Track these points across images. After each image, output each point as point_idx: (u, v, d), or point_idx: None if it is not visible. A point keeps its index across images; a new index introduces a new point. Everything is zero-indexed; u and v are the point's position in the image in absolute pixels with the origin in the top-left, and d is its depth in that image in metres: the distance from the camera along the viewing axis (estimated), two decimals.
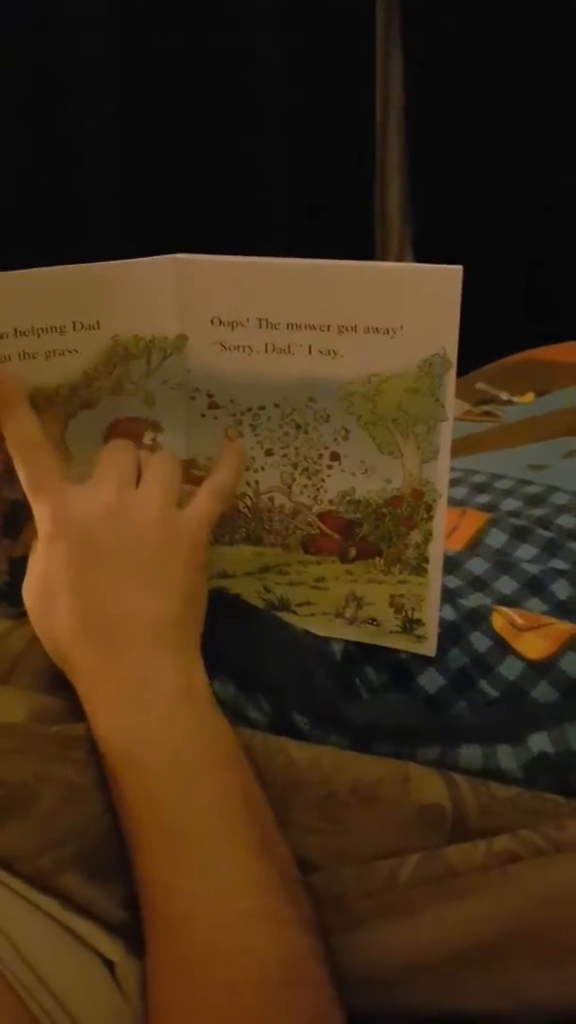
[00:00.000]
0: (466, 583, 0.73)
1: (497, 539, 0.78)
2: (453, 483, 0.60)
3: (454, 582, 0.72)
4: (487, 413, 1.06)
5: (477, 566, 0.74)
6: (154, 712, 0.52)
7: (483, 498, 0.86)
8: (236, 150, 1.66)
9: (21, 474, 0.57)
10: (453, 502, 0.61)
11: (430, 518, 0.59)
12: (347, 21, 1.69)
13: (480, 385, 1.10)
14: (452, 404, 0.56)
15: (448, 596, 0.66)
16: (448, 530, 0.71)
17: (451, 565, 0.73)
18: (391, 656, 0.63)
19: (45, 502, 0.56)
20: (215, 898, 0.49)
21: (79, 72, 1.57)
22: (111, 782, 0.52)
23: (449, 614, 0.65)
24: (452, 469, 0.59)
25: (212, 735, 0.53)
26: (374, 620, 0.63)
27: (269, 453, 0.60)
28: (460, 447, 1.05)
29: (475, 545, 0.78)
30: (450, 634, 0.63)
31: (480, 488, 0.88)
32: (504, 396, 1.11)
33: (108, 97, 1.61)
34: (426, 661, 0.63)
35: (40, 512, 0.56)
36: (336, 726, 0.57)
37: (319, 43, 1.68)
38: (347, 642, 0.64)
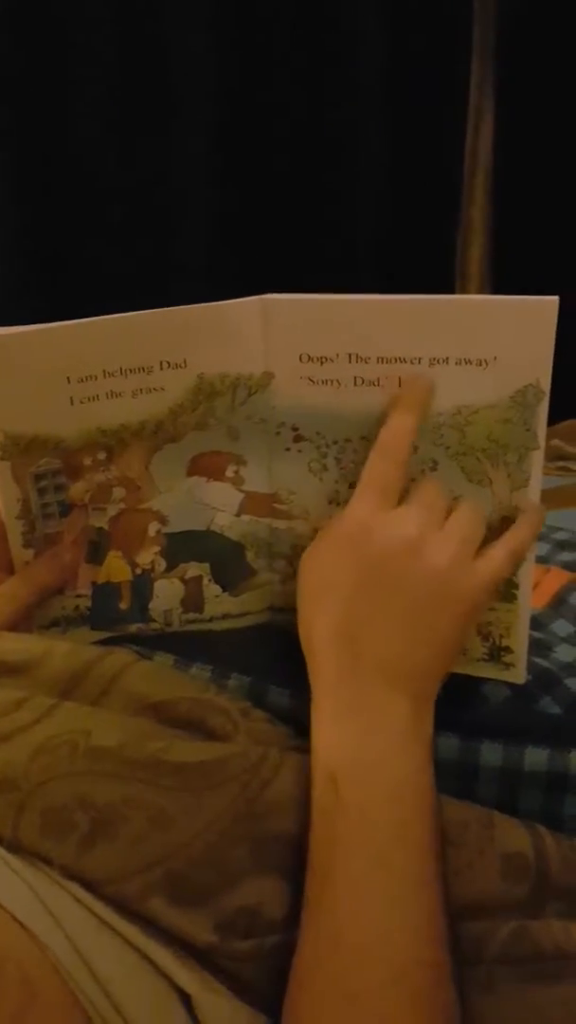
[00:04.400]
0: (555, 639, 0.73)
1: None
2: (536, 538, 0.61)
3: (539, 636, 0.72)
4: (563, 468, 1.07)
5: (562, 628, 0.74)
6: (381, 744, 0.55)
7: (567, 556, 0.87)
8: (322, 205, 1.72)
9: (368, 468, 0.59)
10: (536, 558, 0.62)
11: None
12: (441, 81, 1.77)
13: (555, 442, 1.12)
14: (544, 432, 0.57)
15: (538, 650, 0.66)
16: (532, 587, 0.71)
17: (535, 624, 0.73)
18: (480, 706, 0.64)
19: (366, 505, 0.58)
20: (404, 941, 0.51)
21: (178, 138, 1.66)
22: (315, 794, 0.54)
23: (542, 661, 0.65)
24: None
25: (428, 784, 0.55)
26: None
27: (354, 486, 0.62)
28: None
29: (559, 604, 0.78)
30: (542, 680, 0.63)
31: (563, 545, 0.89)
32: None
33: (208, 160, 1.68)
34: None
35: (355, 512, 0.58)
36: (444, 726, 0.59)
37: (413, 101, 1.75)
38: None
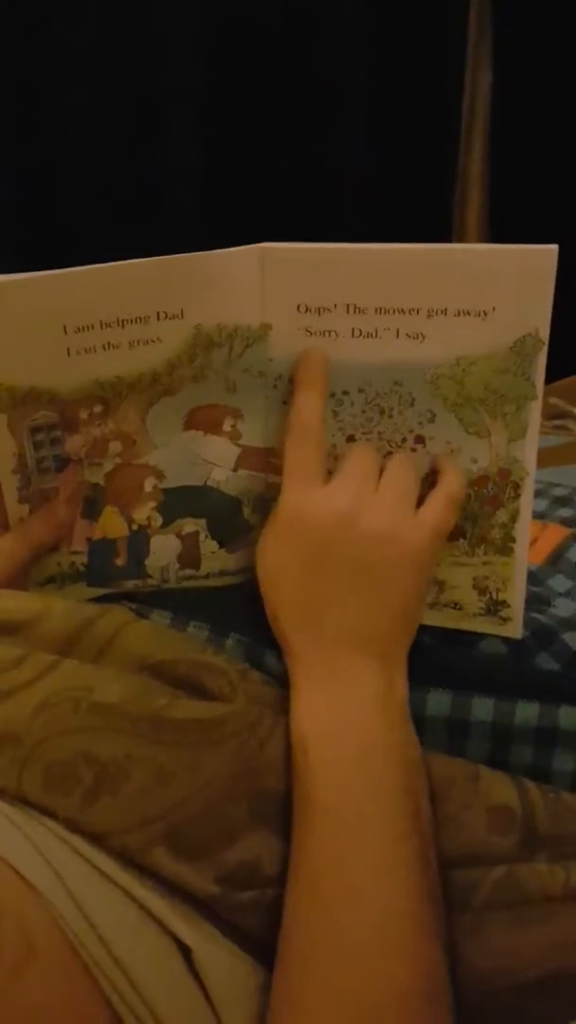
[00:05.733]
0: (552, 594, 0.74)
1: None
2: (534, 494, 0.62)
3: (537, 591, 0.73)
4: (560, 427, 1.08)
5: (560, 583, 0.75)
6: (350, 708, 0.57)
7: (565, 511, 0.88)
8: (317, 156, 1.72)
9: (287, 456, 0.61)
10: (534, 514, 0.63)
11: (517, 496, 0.62)
12: (438, 32, 1.76)
13: (553, 400, 1.13)
14: (542, 382, 0.58)
15: (536, 606, 0.68)
16: (529, 541, 0.72)
17: (533, 580, 0.74)
18: (477, 662, 0.65)
19: (295, 494, 0.60)
20: (383, 893, 0.52)
21: (164, 85, 1.65)
22: (296, 760, 0.56)
23: (540, 617, 0.66)
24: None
25: (401, 742, 0.57)
26: (457, 604, 0.65)
27: (351, 439, 0.63)
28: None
29: (556, 560, 0.79)
30: (540, 635, 0.64)
31: (562, 501, 0.90)
32: None
33: (192, 106, 1.68)
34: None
35: (287, 500, 0.61)
36: (439, 682, 0.60)
37: (409, 51, 1.74)
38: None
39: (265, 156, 1.69)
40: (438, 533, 0.60)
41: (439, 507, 0.60)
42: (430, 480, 0.62)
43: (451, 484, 0.61)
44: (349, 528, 0.58)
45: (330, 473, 0.63)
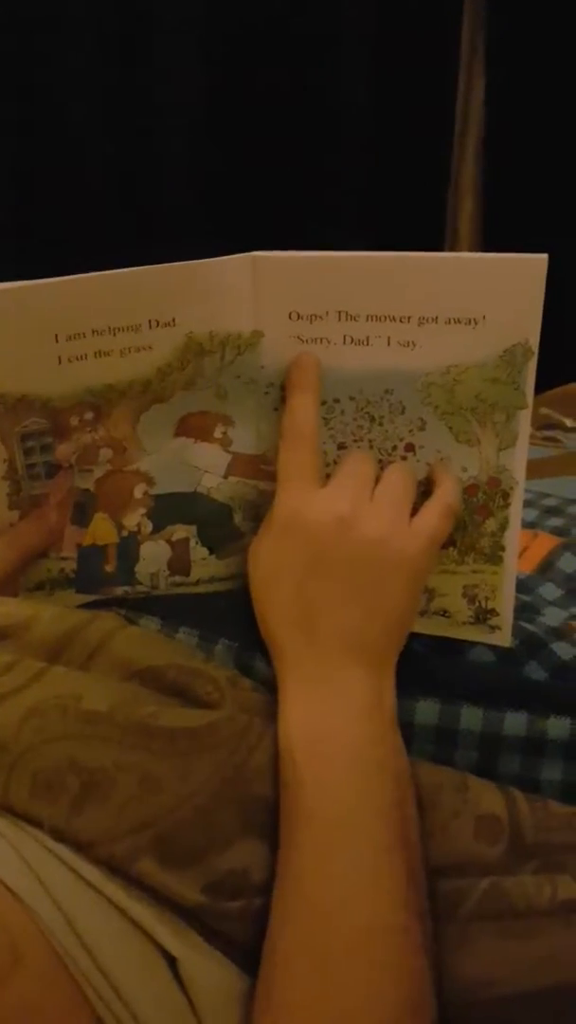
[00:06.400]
0: (542, 603, 0.74)
1: (570, 563, 0.81)
2: (524, 504, 0.63)
3: (527, 600, 0.73)
4: (550, 439, 1.09)
5: (549, 592, 0.75)
6: (338, 715, 0.57)
7: (555, 521, 0.88)
8: (313, 161, 1.73)
9: (282, 459, 0.61)
10: (524, 524, 0.64)
11: (507, 505, 0.63)
12: (433, 38, 1.77)
13: (544, 410, 1.13)
14: (532, 391, 0.58)
15: (525, 614, 0.69)
16: (519, 550, 0.72)
17: (523, 588, 0.74)
18: (465, 670, 0.65)
19: (292, 497, 0.61)
20: (370, 905, 0.52)
21: (164, 87, 1.66)
22: (284, 765, 0.56)
23: (528, 626, 0.67)
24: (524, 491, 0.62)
25: (391, 750, 0.57)
26: (446, 612, 0.65)
27: (342, 447, 0.63)
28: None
29: (547, 569, 0.80)
30: (529, 644, 0.65)
31: (552, 511, 0.90)
32: (569, 423, 1.15)
33: (190, 110, 1.69)
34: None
35: (283, 502, 0.61)
36: (427, 691, 0.60)
37: (404, 58, 1.75)
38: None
39: (262, 161, 1.70)
40: (433, 541, 0.60)
41: (435, 515, 0.60)
42: (422, 488, 0.62)
43: (447, 493, 0.61)
44: (347, 531, 0.58)
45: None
